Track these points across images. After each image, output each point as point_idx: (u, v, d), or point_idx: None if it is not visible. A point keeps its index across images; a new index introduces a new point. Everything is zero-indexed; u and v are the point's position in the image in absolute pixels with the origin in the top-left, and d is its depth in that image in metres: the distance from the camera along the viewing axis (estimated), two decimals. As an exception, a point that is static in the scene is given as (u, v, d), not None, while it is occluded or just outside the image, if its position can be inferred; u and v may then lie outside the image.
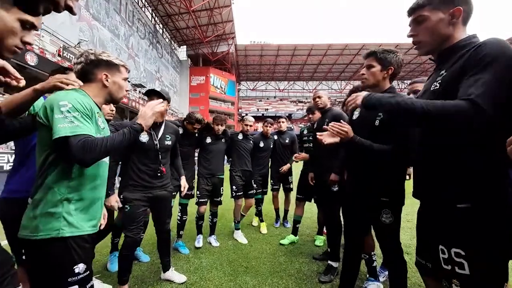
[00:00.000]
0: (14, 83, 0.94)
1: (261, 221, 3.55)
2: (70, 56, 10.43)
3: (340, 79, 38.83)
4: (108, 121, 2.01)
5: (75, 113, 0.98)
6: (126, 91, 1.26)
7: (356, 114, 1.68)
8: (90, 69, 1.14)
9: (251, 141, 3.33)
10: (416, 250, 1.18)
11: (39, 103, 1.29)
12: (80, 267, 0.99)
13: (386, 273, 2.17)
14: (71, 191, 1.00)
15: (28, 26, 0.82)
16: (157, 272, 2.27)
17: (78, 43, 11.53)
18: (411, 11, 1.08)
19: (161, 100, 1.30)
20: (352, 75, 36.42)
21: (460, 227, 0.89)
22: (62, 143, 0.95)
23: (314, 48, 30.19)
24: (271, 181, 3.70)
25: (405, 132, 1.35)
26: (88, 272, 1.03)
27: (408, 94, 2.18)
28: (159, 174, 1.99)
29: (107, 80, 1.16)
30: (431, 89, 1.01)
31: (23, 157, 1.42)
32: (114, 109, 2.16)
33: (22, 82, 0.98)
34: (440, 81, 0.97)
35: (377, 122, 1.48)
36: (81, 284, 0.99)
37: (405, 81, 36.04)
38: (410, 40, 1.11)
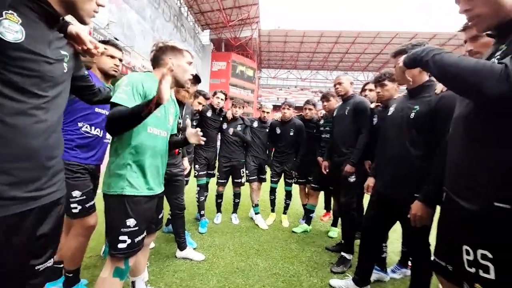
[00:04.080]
0: (94, 50, 0.99)
1: (272, 211, 3.42)
2: (100, 37, 10.77)
3: (367, 69, 36.61)
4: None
5: (127, 87, 1.14)
6: (192, 75, 1.37)
7: (391, 110, 1.65)
8: (159, 55, 1.30)
9: (267, 129, 3.27)
10: (435, 250, 1.07)
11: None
12: (131, 222, 1.17)
13: (403, 270, 2.09)
14: (131, 157, 1.18)
15: None
16: (173, 244, 2.37)
17: (107, 24, 11.85)
18: None
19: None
20: (381, 65, 34.14)
21: (491, 227, 0.79)
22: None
23: (342, 36, 28.37)
24: (295, 173, 3.22)
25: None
26: (138, 228, 1.19)
27: None
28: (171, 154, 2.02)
29: (172, 64, 1.27)
30: None
31: None
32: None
33: (100, 48, 1.04)
34: (499, 56, 0.82)
35: (412, 115, 1.45)
36: (130, 236, 1.17)
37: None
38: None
